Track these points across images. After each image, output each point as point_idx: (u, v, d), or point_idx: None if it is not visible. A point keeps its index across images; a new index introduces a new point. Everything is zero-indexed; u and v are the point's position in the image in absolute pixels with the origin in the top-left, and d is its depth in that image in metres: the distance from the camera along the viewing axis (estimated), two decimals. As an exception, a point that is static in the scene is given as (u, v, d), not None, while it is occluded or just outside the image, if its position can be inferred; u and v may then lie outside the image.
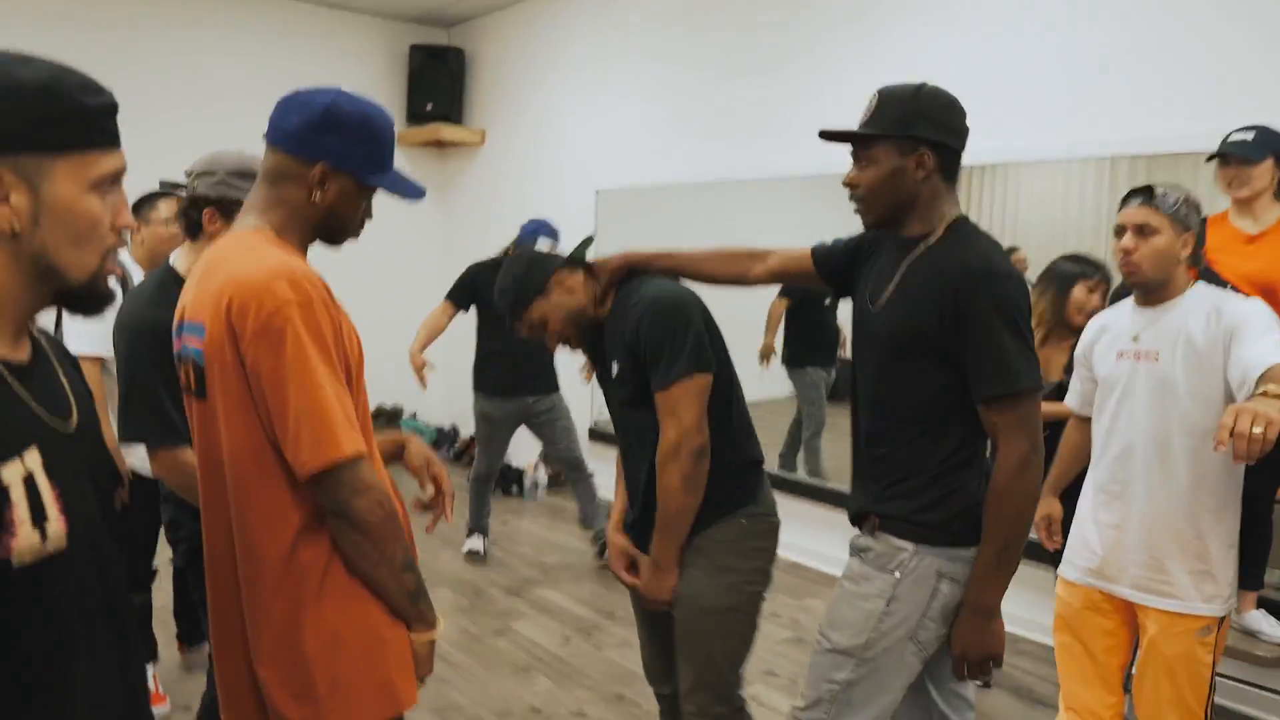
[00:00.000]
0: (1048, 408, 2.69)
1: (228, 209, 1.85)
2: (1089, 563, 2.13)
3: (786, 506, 2.03)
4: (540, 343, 2.02)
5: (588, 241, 2.01)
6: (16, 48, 0.92)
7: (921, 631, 1.65)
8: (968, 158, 1.69)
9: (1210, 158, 2.57)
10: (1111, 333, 2.13)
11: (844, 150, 1.72)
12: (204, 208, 1.88)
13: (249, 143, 1.90)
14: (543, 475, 5.45)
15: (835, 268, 1.90)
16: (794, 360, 4.49)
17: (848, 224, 1.78)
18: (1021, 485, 1.57)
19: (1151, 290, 2.03)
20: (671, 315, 1.83)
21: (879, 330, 1.68)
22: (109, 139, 0.95)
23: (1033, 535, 2.71)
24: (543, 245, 3.85)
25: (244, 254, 1.30)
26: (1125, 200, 2.04)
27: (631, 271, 1.99)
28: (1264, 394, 1.49)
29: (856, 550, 1.75)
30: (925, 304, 1.59)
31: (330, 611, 1.31)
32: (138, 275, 2.79)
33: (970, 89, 3.68)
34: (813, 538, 4.18)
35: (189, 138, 5.50)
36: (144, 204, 2.80)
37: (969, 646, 1.63)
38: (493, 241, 4.77)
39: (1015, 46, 3.55)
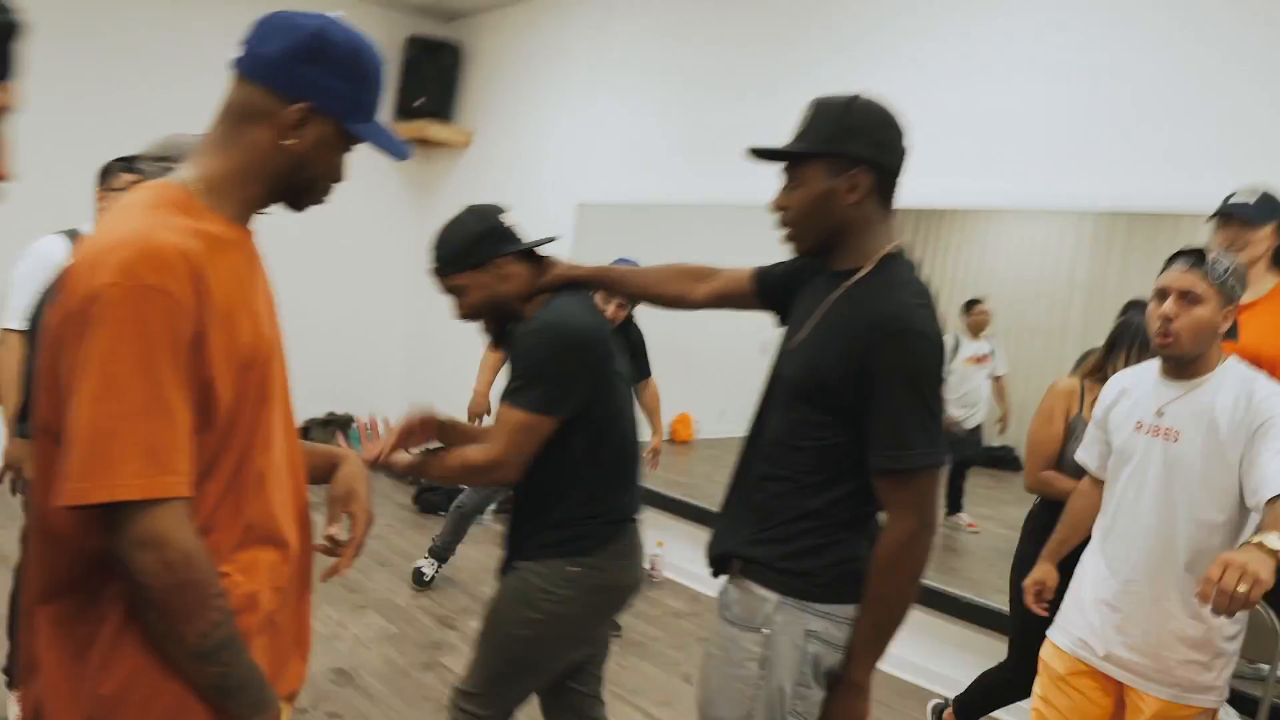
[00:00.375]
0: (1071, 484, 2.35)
1: None
2: (1082, 633, 1.98)
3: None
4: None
5: (550, 240, 1.95)
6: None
7: (799, 702, 1.51)
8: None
9: (1211, 216, 2.38)
10: (1132, 398, 1.97)
11: None
12: None
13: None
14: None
15: (773, 293, 1.73)
16: None
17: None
18: (903, 564, 1.46)
19: (1184, 364, 1.87)
20: (556, 347, 1.77)
21: (787, 372, 1.56)
22: (3, 68, 0.77)
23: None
24: None
25: (117, 216, 1.03)
26: (1170, 261, 1.88)
27: (571, 285, 1.90)
28: (1259, 545, 1.42)
29: (720, 608, 1.60)
30: (833, 356, 1.46)
31: (130, 658, 1.01)
32: None
33: (957, 130, 3.53)
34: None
35: (172, 113, 5.15)
36: (107, 173, 2.61)
37: None
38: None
39: (1006, 91, 3.38)
